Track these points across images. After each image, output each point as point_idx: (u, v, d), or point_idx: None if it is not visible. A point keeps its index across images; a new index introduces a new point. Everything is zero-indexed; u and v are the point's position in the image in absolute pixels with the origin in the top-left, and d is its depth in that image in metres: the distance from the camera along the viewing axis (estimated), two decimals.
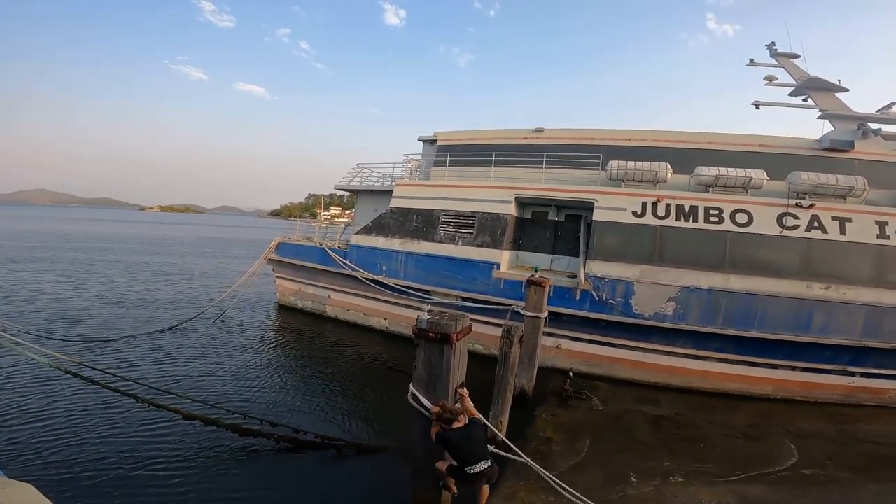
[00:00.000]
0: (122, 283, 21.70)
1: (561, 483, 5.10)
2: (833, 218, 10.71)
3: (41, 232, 52.14)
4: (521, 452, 5.54)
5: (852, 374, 10.79)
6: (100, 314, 15.43)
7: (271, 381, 10.58)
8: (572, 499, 4.98)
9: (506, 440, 5.90)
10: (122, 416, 7.95)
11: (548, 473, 5.28)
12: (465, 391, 5.35)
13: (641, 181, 12.26)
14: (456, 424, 4.91)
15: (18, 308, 15.21)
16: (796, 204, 10.83)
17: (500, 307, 11.75)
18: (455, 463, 4.96)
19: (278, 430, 7.53)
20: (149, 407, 7.45)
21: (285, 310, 18.12)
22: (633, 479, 6.91)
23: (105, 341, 12.24)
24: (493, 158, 14.35)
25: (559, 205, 13.83)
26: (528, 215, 14.40)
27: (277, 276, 18.70)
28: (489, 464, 4.91)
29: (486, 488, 5.27)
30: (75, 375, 7.54)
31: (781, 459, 7.92)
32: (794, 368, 10.94)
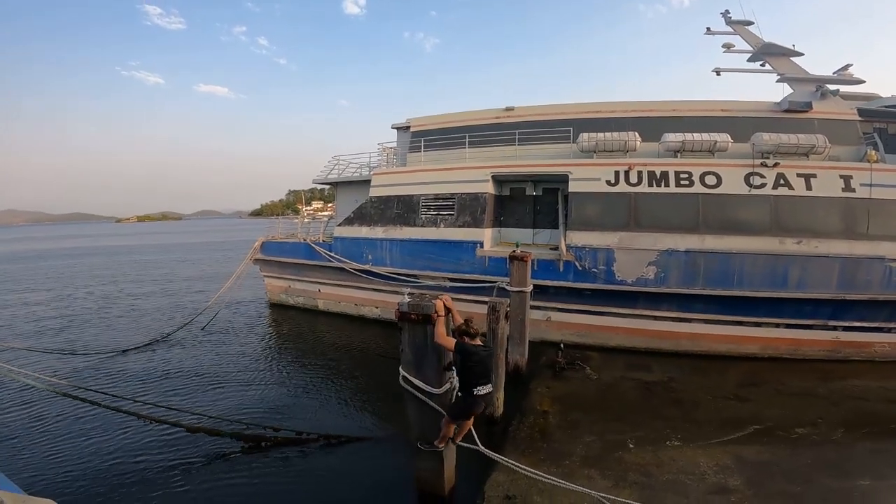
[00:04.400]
0: (107, 296, 21.55)
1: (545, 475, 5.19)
2: (798, 175, 10.95)
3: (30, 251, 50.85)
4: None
5: (835, 328, 10.87)
6: (88, 329, 15.40)
7: (269, 382, 10.56)
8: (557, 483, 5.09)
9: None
10: (128, 433, 7.96)
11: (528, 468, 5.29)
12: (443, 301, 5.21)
13: (612, 151, 12.48)
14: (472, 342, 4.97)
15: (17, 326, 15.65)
16: (761, 164, 11.11)
17: (488, 285, 11.97)
18: (461, 382, 4.99)
19: (281, 433, 7.66)
20: (151, 424, 7.56)
21: (277, 308, 18.17)
22: (631, 446, 6.98)
23: (93, 355, 12.27)
24: (467, 140, 14.46)
25: (535, 180, 14.04)
26: (506, 192, 14.60)
27: (265, 275, 18.70)
28: (492, 388, 5.11)
29: (469, 421, 5.32)
30: (73, 398, 7.57)
31: (774, 419, 7.89)
32: (777, 325, 11.12)
